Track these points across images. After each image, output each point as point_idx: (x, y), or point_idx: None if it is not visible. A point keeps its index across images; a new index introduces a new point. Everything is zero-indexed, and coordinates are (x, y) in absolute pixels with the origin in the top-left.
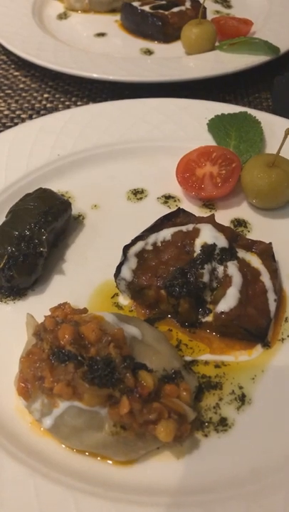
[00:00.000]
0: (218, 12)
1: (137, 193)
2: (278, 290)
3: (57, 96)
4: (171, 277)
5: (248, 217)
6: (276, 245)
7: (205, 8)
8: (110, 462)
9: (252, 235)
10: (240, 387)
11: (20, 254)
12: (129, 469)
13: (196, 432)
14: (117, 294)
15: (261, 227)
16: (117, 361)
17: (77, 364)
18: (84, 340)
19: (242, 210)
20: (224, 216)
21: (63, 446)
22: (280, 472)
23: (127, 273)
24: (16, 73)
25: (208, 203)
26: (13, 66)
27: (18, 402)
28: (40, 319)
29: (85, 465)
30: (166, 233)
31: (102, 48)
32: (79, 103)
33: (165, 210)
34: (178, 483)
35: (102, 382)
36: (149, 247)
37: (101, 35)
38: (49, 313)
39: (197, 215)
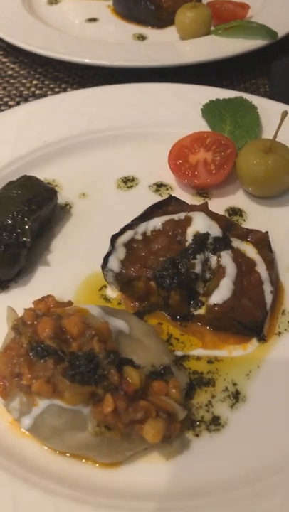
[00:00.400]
0: None
1: (128, 181)
2: (275, 281)
3: (46, 83)
4: (161, 268)
5: (244, 206)
6: (273, 235)
7: None
8: (94, 464)
9: (247, 224)
10: (234, 384)
11: (1, 244)
12: (115, 472)
13: (187, 432)
14: (105, 286)
15: (257, 216)
16: (101, 356)
17: (58, 360)
18: (66, 335)
19: (237, 199)
20: (218, 204)
21: (45, 447)
22: (276, 474)
23: (114, 264)
24: (4, 59)
25: (202, 191)
26: (1, 52)
27: None
28: (22, 313)
29: (68, 467)
30: (157, 222)
31: (94, 33)
32: (69, 90)
33: (157, 199)
34: (167, 486)
35: (84, 379)
36: (139, 237)
37: (93, 20)
38: (32, 306)
39: (190, 204)
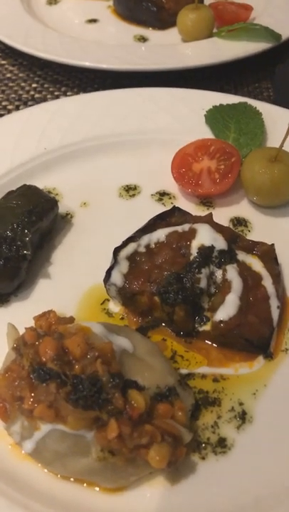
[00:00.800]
0: None
1: (130, 190)
2: (281, 296)
3: (46, 86)
4: (165, 283)
5: (249, 216)
6: (279, 247)
7: None
8: (97, 489)
9: (253, 235)
10: (241, 404)
11: (1, 258)
12: (119, 497)
13: (193, 454)
14: (107, 300)
15: (263, 227)
16: (105, 380)
17: (60, 383)
18: (68, 356)
19: (242, 208)
20: (223, 214)
21: (46, 471)
22: (287, 502)
23: (117, 278)
24: (3, 62)
25: (206, 201)
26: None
27: None
28: (23, 329)
29: (70, 492)
30: (160, 234)
31: (94, 35)
32: (69, 93)
33: (159, 208)
34: None
35: (88, 403)
36: (142, 250)
37: (93, 21)
38: (33, 321)
39: (194, 214)
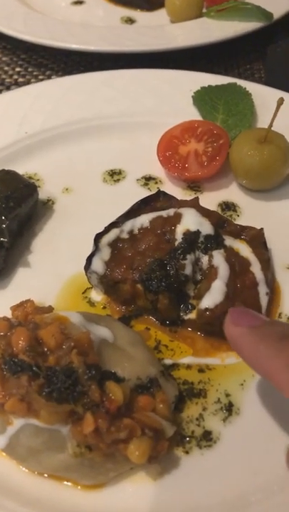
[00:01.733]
0: None
1: (114, 174)
2: (270, 282)
3: (30, 70)
4: (148, 270)
5: (238, 200)
6: (268, 231)
7: None
8: (77, 486)
9: (241, 220)
10: (227, 395)
11: None
12: (98, 494)
13: (176, 449)
14: (89, 289)
15: (252, 211)
16: (80, 371)
17: (33, 376)
18: (42, 347)
19: (231, 192)
20: (211, 199)
21: (22, 467)
22: (273, 497)
23: (98, 265)
24: None
25: (193, 185)
26: None
27: None
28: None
29: (48, 490)
30: (144, 219)
31: (80, 17)
32: (53, 77)
33: (145, 193)
34: (155, 508)
35: (62, 396)
36: (125, 236)
37: (79, 3)
38: (10, 312)
39: (180, 198)
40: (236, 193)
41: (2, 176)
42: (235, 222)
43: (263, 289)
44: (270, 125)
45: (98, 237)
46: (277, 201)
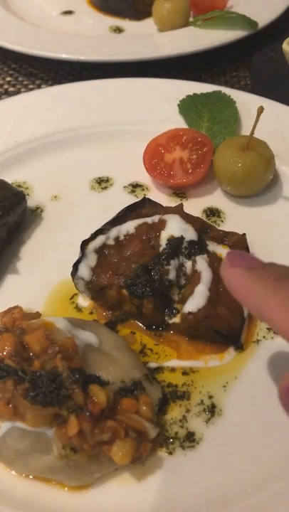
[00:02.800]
0: None
1: (102, 182)
2: None
3: (20, 79)
4: (133, 275)
5: (222, 206)
6: (251, 236)
7: None
8: (63, 488)
9: (226, 225)
10: (210, 397)
11: None
12: (84, 495)
13: (160, 450)
14: (76, 295)
15: (236, 217)
16: (64, 375)
17: (18, 380)
18: (28, 352)
19: (215, 199)
20: (196, 205)
21: (9, 470)
22: (253, 497)
23: (85, 271)
24: None
25: (179, 192)
26: None
27: None
28: None
29: (34, 492)
30: (130, 226)
31: (70, 26)
32: (43, 86)
33: (132, 200)
34: (139, 508)
35: (47, 400)
36: (111, 242)
37: (68, 13)
38: None
39: (166, 205)
40: (220, 199)
41: None
42: (220, 228)
43: None
44: (252, 133)
45: (84, 244)
46: (259, 206)
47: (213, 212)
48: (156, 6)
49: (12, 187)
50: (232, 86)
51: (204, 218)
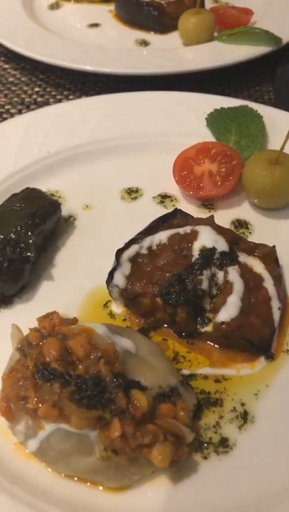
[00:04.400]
0: (216, 1)
1: (132, 192)
2: (282, 297)
3: (48, 90)
4: (167, 284)
5: (250, 218)
6: (280, 248)
7: None
8: (101, 488)
9: (254, 237)
10: (242, 404)
11: (4, 260)
12: (122, 496)
13: (195, 454)
14: (109, 302)
15: (264, 229)
16: (108, 379)
17: (64, 383)
18: (72, 356)
19: (243, 210)
20: (224, 217)
21: (50, 470)
22: (287, 502)
23: (120, 279)
24: (6, 66)
25: (207, 203)
26: (2, 58)
27: (2, 422)
28: (27, 329)
29: (74, 492)
30: (162, 236)
31: (96, 39)
32: (71, 97)
33: (161, 210)
34: (174, 511)
35: (91, 403)
36: (144, 251)
37: (94, 25)
38: (36, 323)
39: (195, 216)
40: (248, 211)
41: (27, 194)
42: (248, 239)
43: (275, 304)
44: (282, 147)
45: (119, 253)
46: (287, 219)
47: (241, 223)
48: (182, 21)
49: (48, 196)
50: (256, 100)
51: (232, 229)
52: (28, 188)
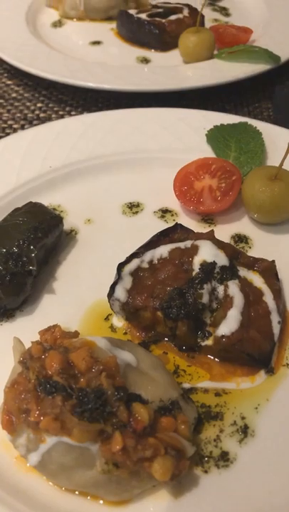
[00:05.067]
0: (216, 20)
1: (133, 207)
2: (282, 311)
3: (50, 105)
4: (168, 298)
5: (249, 233)
6: (279, 263)
7: (203, 16)
8: (102, 502)
9: (253, 252)
10: (243, 418)
11: (7, 273)
12: (123, 510)
13: (195, 468)
14: (110, 315)
15: (263, 243)
16: (109, 393)
17: (66, 396)
18: (74, 369)
19: (243, 225)
20: (224, 231)
21: (51, 483)
22: None
23: (121, 293)
24: (9, 82)
25: (208, 218)
26: (5, 75)
27: (3, 435)
28: (28, 343)
29: (74, 505)
30: (163, 250)
31: (98, 56)
32: (73, 113)
33: (162, 225)
34: None
35: (93, 416)
36: (145, 265)
37: (96, 43)
38: (38, 336)
39: (196, 231)
40: (248, 226)
41: (30, 208)
42: (248, 254)
43: (275, 318)
44: (281, 164)
45: (120, 267)
46: (287, 234)
47: (241, 238)
48: (182, 39)
49: (50, 210)
50: (255, 117)
51: (232, 244)
52: (30, 203)
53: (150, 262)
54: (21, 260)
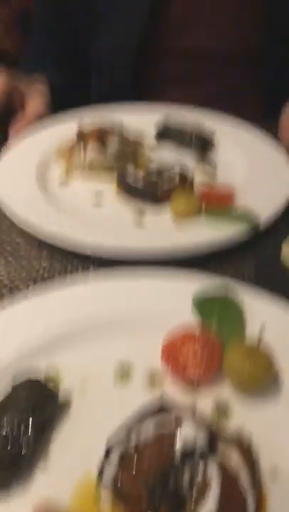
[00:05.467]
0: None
1: (123, 376)
2: (258, 489)
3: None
4: (150, 486)
5: (230, 399)
6: (258, 433)
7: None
8: None
9: (233, 418)
10: None
11: (4, 460)
12: None
13: None
14: (98, 497)
15: (242, 410)
16: None
17: None
18: None
19: (224, 391)
20: (206, 396)
21: None
22: None
23: (108, 479)
24: (18, 240)
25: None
26: (15, 231)
27: None
28: None
29: None
30: (147, 433)
31: (98, 219)
32: (74, 272)
33: (150, 391)
34: None
35: None
36: (130, 450)
37: (98, 205)
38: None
39: (180, 396)
40: (230, 392)
41: (25, 385)
42: (227, 421)
43: (250, 498)
44: (258, 343)
45: (108, 452)
46: (264, 398)
47: (222, 403)
48: (173, 202)
49: (47, 388)
50: (237, 277)
51: (214, 411)
52: (28, 380)
53: (135, 448)
54: (17, 444)
